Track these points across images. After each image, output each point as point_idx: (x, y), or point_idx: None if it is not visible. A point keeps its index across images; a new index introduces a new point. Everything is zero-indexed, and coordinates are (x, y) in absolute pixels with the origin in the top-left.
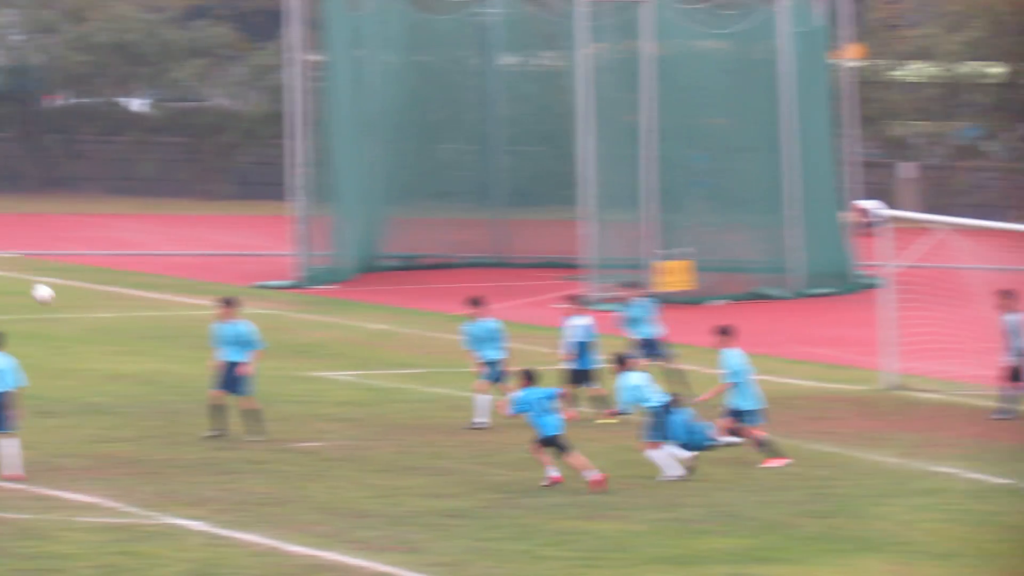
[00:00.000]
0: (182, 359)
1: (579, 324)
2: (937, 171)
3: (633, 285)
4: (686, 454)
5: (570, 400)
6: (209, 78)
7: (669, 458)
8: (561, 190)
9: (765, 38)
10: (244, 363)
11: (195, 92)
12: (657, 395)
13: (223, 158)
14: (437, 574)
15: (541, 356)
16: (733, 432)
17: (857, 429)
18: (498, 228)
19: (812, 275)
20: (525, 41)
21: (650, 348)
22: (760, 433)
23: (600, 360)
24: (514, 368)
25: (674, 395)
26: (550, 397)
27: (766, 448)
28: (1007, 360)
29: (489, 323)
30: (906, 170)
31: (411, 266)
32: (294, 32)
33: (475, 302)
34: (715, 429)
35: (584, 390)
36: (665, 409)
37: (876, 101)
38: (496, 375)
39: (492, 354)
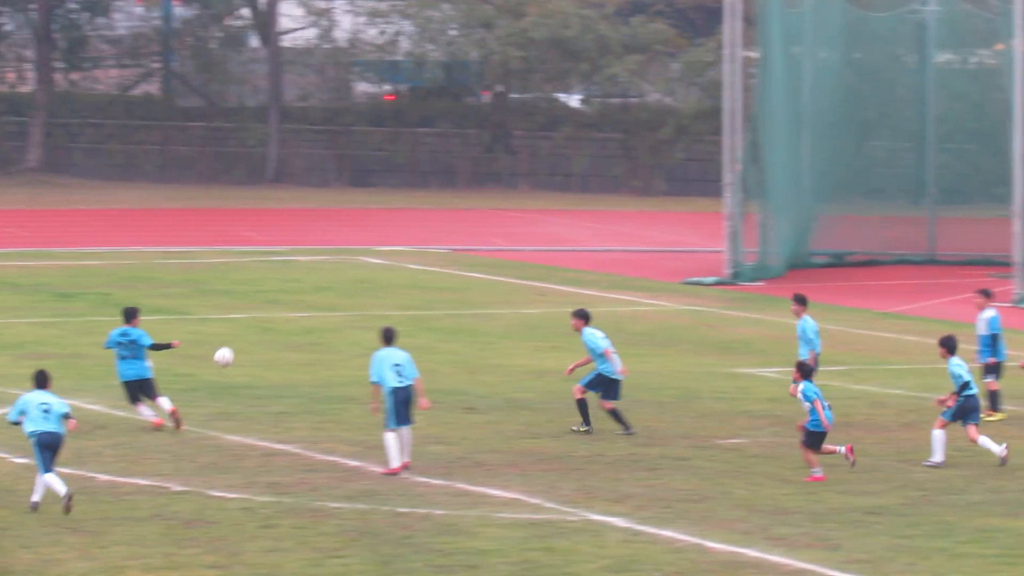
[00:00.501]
0: None
1: (989, 316)
2: None
3: None
4: None
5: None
6: (645, 74)
7: None
8: (992, 188)
9: None
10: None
11: (630, 88)
12: None
13: (656, 154)
14: (856, 571)
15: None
16: None
17: None
18: (928, 225)
19: None
20: (961, 38)
21: None
22: None
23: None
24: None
25: None
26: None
27: None
28: None
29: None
30: None
31: (840, 263)
32: (734, 28)
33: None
34: None
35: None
36: None
37: None
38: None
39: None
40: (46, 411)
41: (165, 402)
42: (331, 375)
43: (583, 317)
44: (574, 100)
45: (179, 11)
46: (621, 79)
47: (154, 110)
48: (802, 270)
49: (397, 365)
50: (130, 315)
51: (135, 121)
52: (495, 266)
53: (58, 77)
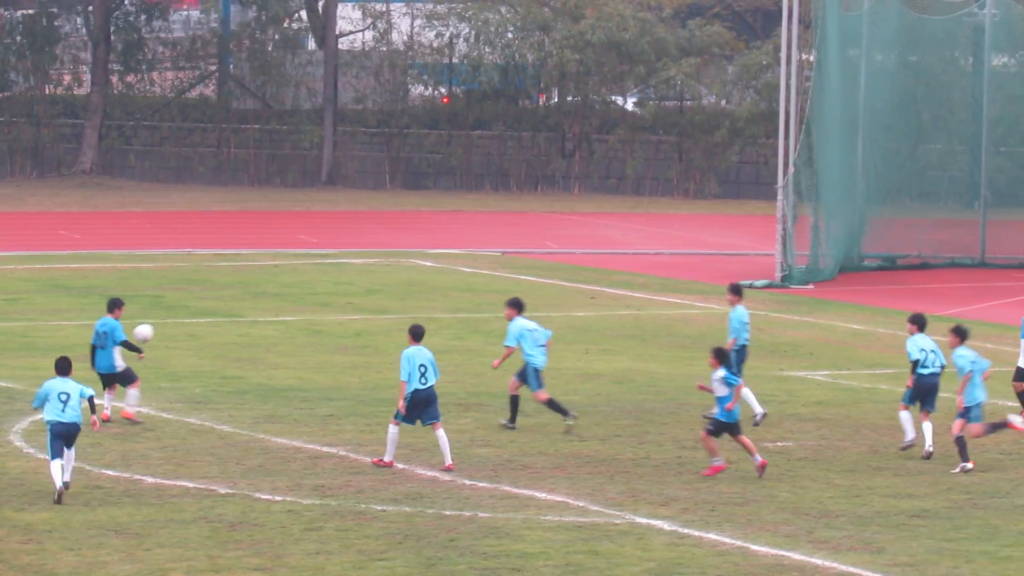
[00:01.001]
0: (657, 358)
1: None
2: None
3: None
4: None
5: None
6: (701, 77)
7: None
8: None
9: None
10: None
11: (686, 91)
12: None
13: (710, 157)
14: (900, 575)
15: (1008, 356)
16: None
17: None
18: (980, 229)
19: None
20: (1018, 41)
21: None
22: None
23: None
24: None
25: None
26: None
27: None
28: None
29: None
30: None
31: (891, 266)
32: (792, 30)
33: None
34: None
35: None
36: None
37: None
38: None
39: None
40: (64, 401)
41: (120, 403)
42: (379, 378)
43: (516, 307)
44: (629, 103)
45: (236, 14)
46: (677, 82)
47: (209, 112)
48: (853, 273)
49: (423, 366)
50: (112, 306)
51: (190, 124)
52: (546, 269)
53: (114, 79)
